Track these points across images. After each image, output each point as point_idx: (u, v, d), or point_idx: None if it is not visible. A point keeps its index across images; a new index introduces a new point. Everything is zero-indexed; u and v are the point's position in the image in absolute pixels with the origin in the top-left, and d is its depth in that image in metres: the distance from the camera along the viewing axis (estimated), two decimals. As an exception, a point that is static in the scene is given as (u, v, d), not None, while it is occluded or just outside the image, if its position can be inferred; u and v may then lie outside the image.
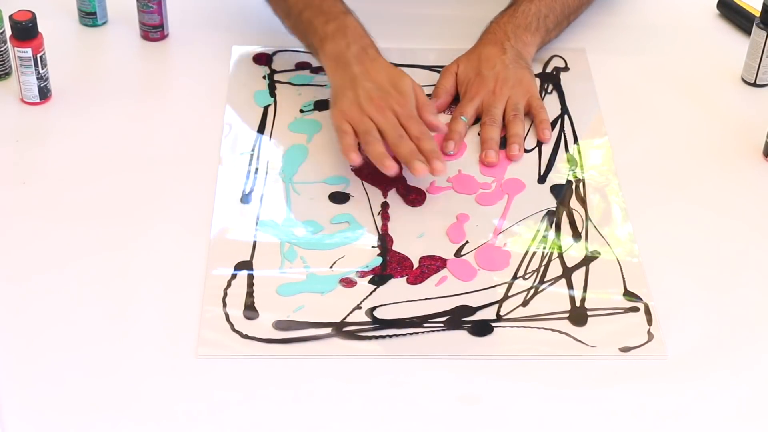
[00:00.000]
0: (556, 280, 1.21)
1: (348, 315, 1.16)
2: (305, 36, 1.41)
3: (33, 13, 1.37)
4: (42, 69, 1.39)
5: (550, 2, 1.48)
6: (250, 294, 1.17)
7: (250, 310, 1.16)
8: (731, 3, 1.60)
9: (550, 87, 1.47)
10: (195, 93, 1.45)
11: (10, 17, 1.36)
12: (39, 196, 1.29)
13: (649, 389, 1.10)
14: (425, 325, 1.15)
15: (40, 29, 1.38)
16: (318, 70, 1.47)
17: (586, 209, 1.29)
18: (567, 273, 1.21)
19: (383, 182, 1.31)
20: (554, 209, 1.29)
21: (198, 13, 1.58)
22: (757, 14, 1.46)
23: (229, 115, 1.40)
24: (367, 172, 1.32)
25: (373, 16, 1.46)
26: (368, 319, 1.16)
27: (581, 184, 1.32)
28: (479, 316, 1.16)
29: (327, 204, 1.29)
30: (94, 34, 1.54)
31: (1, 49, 1.42)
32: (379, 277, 1.20)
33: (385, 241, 1.24)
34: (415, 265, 1.22)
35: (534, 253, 1.23)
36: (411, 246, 1.24)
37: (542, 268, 1.22)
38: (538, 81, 1.46)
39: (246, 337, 1.13)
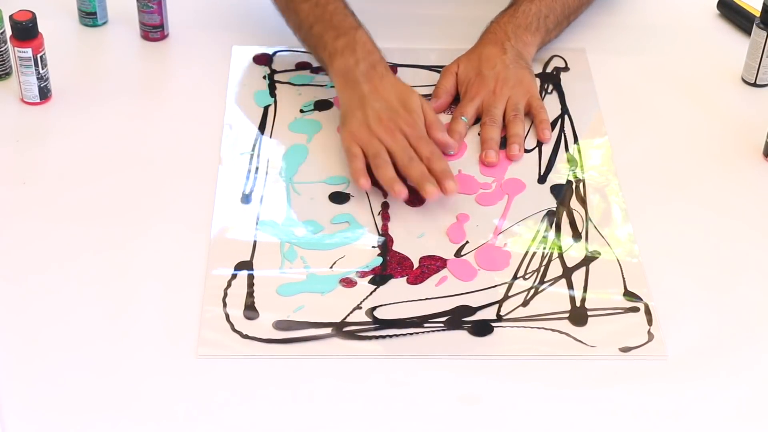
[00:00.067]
0: (556, 280, 1.21)
1: (348, 315, 1.16)
2: (315, 50, 1.40)
3: (33, 13, 1.37)
4: (42, 69, 1.39)
5: (550, 2, 1.48)
6: (250, 294, 1.17)
7: (250, 310, 1.16)
8: (731, 3, 1.60)
9: (550, 87, 1.47)
10: (195, 93, 1.45)
11: (11, 17, 1.36)
12: (39, 196, 1.29)
13: (649, 389, 1.10)
14: (425, 325, 1.15)
15: (40, 29, 1.38)
16: (318, 70, 1.47)
17: (586, 209, 1.29)
18: (567, 273, 1.21)
19: (383, 182, 1.31)
20: (554, 209, 1.29)
21: (198, 13, 1.58)
22: (757, 14, 1.46)
23: (230, 115, 1.40)
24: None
25: (374, 16, 1.46)
26: (368, 319, 1.16)
27: (581, 184, 1.32)
28: (479, 316, 1.16)
29: (327, 204, 1.29)
30: (94, 34, 1.54)
31: (2, 49, 1.42)
32: (380, 277, 1.20)
33: (385, 241, 1.24)
34: (415, 265, 1.22)
35: (534, 253, 1.24)
36: (411, 246, 1.24)
37: (542, 268, 1.22)
38: (538, 81, 1.46)
39: (246, 337, 1.13)
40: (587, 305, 1.18)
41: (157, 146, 1.36)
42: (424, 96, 1.44)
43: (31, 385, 1.08)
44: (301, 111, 1.42)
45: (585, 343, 1.14)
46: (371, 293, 1.18)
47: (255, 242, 1.23)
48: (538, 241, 1.25)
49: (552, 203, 1.30)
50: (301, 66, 1.48)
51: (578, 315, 1.17)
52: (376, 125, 1.31)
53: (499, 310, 1.17)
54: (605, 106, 1.44)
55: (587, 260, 1.23)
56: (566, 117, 1.42)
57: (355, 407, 1.08)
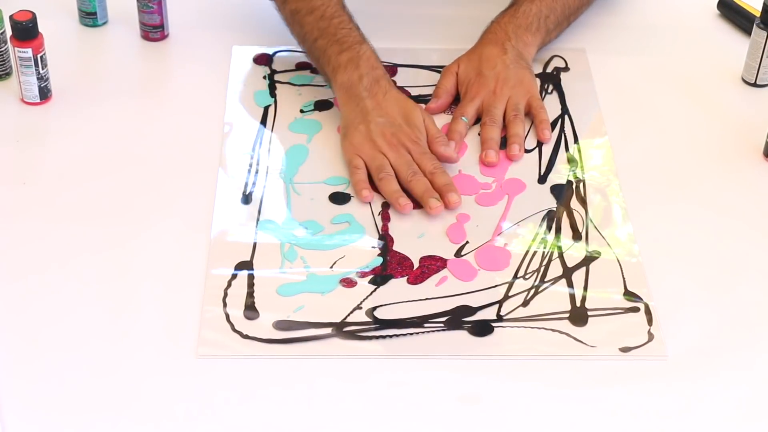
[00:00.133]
0: (556, 280, 1.21)
1: (348, 315, 1.16)
2: (319, 63, 1.40)
3: (33, 13, 1.37)
4: (42, 69, 1.39)
5: (551, 3, 1.48)
6: (250, 294, 1.17)
7: (251, 310, 1.16)
8: (731, 3, 1.60)
9: (551, 87, 1.47)
10: (195, 93, 1.45)
11: (11, 17, 1.36)
12: (39, 196, 1.29)
13: (649, 389, 1.10)
14: (425, 325, 1.15)
15: (40, 29, 1.38)
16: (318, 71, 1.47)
17: (586, 209, 1.29)
18: (567, 273, 1.21)
19: (383, 182, 1.31)
20: (554, 209, 1.29)
21: (198, 13, 1.58)
22: (757, 14, 1.46)
23: (230, 115, 1.40)
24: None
25: (375, 16, 1.46)
26: (368, 319, 1.16)
27: (581, 185, 1.32)
28: (479, 316, 1.16)
29: (327, 204, 1.29)
30: (94, 34, 1.54)
31: (2, 49, 1.42)
32: (380, 278, 1.20)
33: (385, 241, 1.24)
34: (416, 265, 1.22)
35: (534, 253, 1.23)
36: (411, 246, 1.24)
37: (542, 268, 1.22)
38: (538, 81, 1.46)
39: (246, 337, 1.13)
40: (587, 305, 1.18)
41: (157, 146, 1.36)
42: (425, 96, 1.44)
43: (31, 385, 1.08)
44: (301, 111, 1.42)
45: (585, 343, 1.14)
46: (371, 293, 1.18)
47: (255, 242, 1.23)
48: (538, 241, 1.25)
49: (552, 203, 1.30)
50: (301, 66, 1.48)
51: (578, 315, 1.17)
52: (380, 140, 1.31)
53: (499, 310, 1.17)
54: (605, 106, 1.44)
55: (587, 260, 1.23)
56: (566, 117, 1.42)
57: (356, 407, 1.08)
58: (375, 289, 1.19)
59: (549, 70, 1.50)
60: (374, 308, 1.17)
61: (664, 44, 1.56)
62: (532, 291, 1.19)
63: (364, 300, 1.17)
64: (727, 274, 1.22)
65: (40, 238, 1.23)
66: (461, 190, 1.29)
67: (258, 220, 1.26)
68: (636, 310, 1.18)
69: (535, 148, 1.38)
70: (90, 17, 1.54)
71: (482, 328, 1.15)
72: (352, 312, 1.16)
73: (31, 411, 1.06)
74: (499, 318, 1.16)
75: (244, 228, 1.25)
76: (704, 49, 1.55)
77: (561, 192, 1.31)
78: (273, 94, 1.44)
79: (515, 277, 1.21)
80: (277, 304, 1.17)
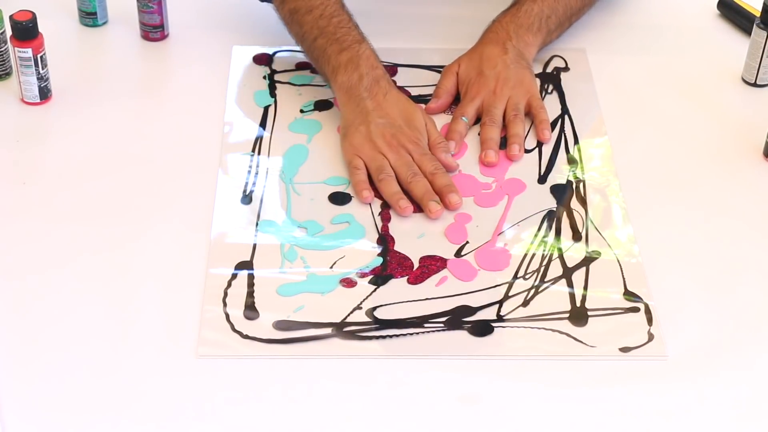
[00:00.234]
0: (556, 280, 1.21)
1: (348, 315, 1.16)
2: (318, 63, 1.40)
3: (33, 13, 1.37)
4: (42, 69, 1.39)
5: (552, 3, 1.48)
6: (250, 294, 1.17)
7: (251, 310, 1.16)
8: (731, 3, 1.60)
9: (551, 87, 1.47)
10: (195, 93, 1.45)
11: (11, 17, 1.36)
12: (39, 196, 1.29)
13: (649, 389, 1.10)
14: (425, 325, 1.15)
15: (40, 29, 1.38)
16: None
17: (586, 209, 1.29)
18: (567, 273, 1.21)
19: (383, 182, 1.31)
20: (554, 209, 1.29)
21: (198, 13, 1.58)
22: (757, 14, 1.46)
23: (230, 115, 1.40)
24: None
25: (375, 16, 1.46)
26: (369, 319, 1.15)
27: (582, 185, 1.32)
28: (479, 316, 1.16)
29: (327, 204, 1.29)
30: (94, 34, 1.54)
31: (2, 49, 1.42)
32: (380, 278, 1.20)
33: (385, 241, 1.24)
34: (416, 265, 1.22)
35: (534, 253, 1.23)
36: (411, 246, 1.24)
37: (542, 269, 1.22)
38: (538, 81, 1.46)
39: (246, 337, 1.13)
40: (587, 305, 1.18)
41: (157, 146, 1.36)
42: (425, 96, 1.44)
43: (31, 385, 1.08)
44: (301, 111, 1.42)
45: (585, 343, 1.14)
46: (371, 293, 1.18)
47: (255, 242, 1.23)
48: (538, 241, 1.25)
49: (552, 203, 1.30)
50: (301, 66, 1.48)
51: (578, 315, 1.17)
52: (380, 141, 1.31)
53: (499, 310, 1.17)
54: (605, 107, 1.44)
55: (587, 260, 1.23)
56: (566, 117, 1.42)
57: (355, 407, 1.08)
58: (375, 289, 1.19)
59: (549, 70, 1.50)
60: (374, 308, 1.17)
61: (664, 44, 1.56)
62: (532, 291, 1.19)
63: (364, 300, 1.17)
64: (727, 273, 1.22)
65: (40, 238, 1.23)
66: (461, 190, 1.29)
67: (258, 220, 1.26)
68: (636, 310, 1.18)
69: (535, 148, 1.38)
70: (90, 17, 1.54)
71: (482, 328, 1.15)
72: (352, 312, 1.16)
73: (31, 411, 1.06)
74: (499, 318, 1.16)
75: (244, 228, 1.25)
76: (704, 49, 1.55)
77: (561, 192, 1.31)
78: (273, 94, 1.44)
79: (515, 277, 1.21)
80: (277, 304, 1.17)
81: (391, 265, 1.21)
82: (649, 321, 1.16)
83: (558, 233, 1.26)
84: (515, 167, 1.35)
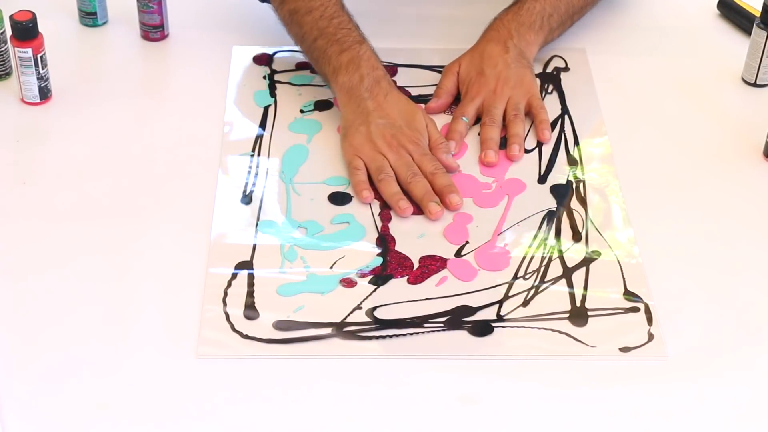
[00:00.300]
0: (556, 280, 1.21)
1: (348, 315, 1.16)
2: (318, 63, 1.40)
3: (33, 13, 1.37)
4: (42, 69, 1.39)
5: (554, 1, 1.47)
6: (250, 294, 1.17)
7: (251, 310, 1.16)
8: (731, 3, 1.60)
9: (551, 87, 1.47)
10: (195, 93, 1.45)
11: (11, 17, 1.36)
12: (39, 196, 1.29)
13: (649, 389, 1.10)
14: (425, 325, 1.15)
15: (40, 29, 1.38)
16: (318, 70, 1.47)
17: (586, 209, 1.29)
18: (567, 273, 1.21)
19: (383, 182, 1.31)
20: (554, 209, 1.29)
21: (198, 13, 1.58)
22: (757, 14, 1.46)
23: (229, 115, 1.40)
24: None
25: (375, 16, 1.46)
26: (368, 319, 1.15)
27: (581, 185, 1.32)
28: (479, 316, 1.16)
29: (327, 204, 1.29)
30: (94, 34, 1.54)
31: (2, 49, 1.42)
32: (380, 278, 1.20)
33: (385, 241, 1.24)
34: (416, 265, 1.22)
35: (534, 253, 1.23)
36: (411, 246, 1.24)
37: (542, 269, 1.22)
38: (538, 81, 1.46)
39: (246, 337, 1.13)
40: (587, 305, 1.18)
41: (157, 146, 1.36)
42: (425, 96, 1.44)
43: (31, 385, 1.08)
44: (301, 111, 1.42)
45: (585, 343, 1.14)
46: (371, 293, 1.18)
47: (255, 242, 1.23)
48: (538, 241, 1.25)
49: (552, 203, 1.30)
50: (301, 66, 1.48)
51: (578, 315, 1.17)
52: (380, 141, 1.31)
53: (499, 310, 1.17)
54: (605, 106, 1.44)
55: (587, 260, 1.23)
56: (566, 117, 1.42)
57: (355, 407, 1.08)
58: (375, 289, 1.19)
59: (549, 70, 1.50)
60: (374, 308, 1.17)
61: (664, 44, 1.56)
62: (532, 291, 1.19)
63: (364, 300, 1.17)
64: (727, 273, 1.22)
65: (40, 238, 1.23)
66: (461, 190, 1.29)
67: (258, 220, 1.26)
68: (636, 310, 1.18)
69: (535, 148, 1.38)
70: (90, 17, 1.54)
71: (482, 328, 1.15)
72: (352, 312, 1.16)
73: (31, 411, 1.06)
74: (499, 318, 1.16)
75: (244, 228, 1.25)
76: (704, 49, 1.55)
77: (561, 192, 1.31)
78: (273, 94, 1.44)
79: (515, 277, 1.21)
80: (277, 304, 1.17)
81: (391, 265, 1.21)
82: (649, 321, 1.16)
83: (558, 233, 1.26)
84: (515, 167, 1.35)
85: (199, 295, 1.17)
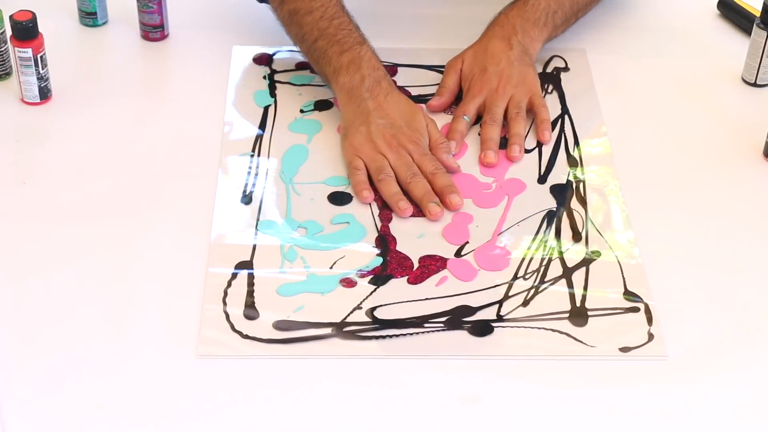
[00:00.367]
0: (556, 280, 1.21)
1: (348, 315, 1.16)
2: (318, 64, 1.40)
3: (33, 13, 1.37)
4: (42, 69, 1.39)
5: None
6: (250, 294, 1.17)
7: (251, 310, 1.16)
8: (731, 3, 1.60)
9: (551, 87, 1.47)
10: (195, 93, 1.45)
11: (11, 17, 1.36)
12: (39, 196, 1.29)
13: (649, 389, 1.10)
14: (425, 325, 1.15)
15: (40, 29, 1.38)
16: (318, 70, 1.47)
17: (586, 209, 1.29)
18: (567, 273, 1.21)
19: (383, 182, 1.31)
20: (554, 209, 1.29)
21: (198, 13, 1.58)
22: (757, 14, 1.46)
23: (229, 115, 1.40)
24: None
25: (375, 16, 1.46)
26: (368, 319, 1.15)
27: (581, 185, 1.32)
28: (479, 316, 1.16)
29: (327, 204, 1.29)
30: (94, 34, 1.54)
31: (2, 49, 1.42)
32: (380, 278, 1.20)
33: (385, 241, 1.24)
34: (416, 265, 1.22)
35: (534, 253, 1.23)
36: (411, 246, 1.24)
37: (542, 269, 1.22)
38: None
39: (246, 337, 1.13)
40: (587, 305, 1.18)
41: (157, 146, 1.36)
42: (425, 96, 1.44)
43: (31, 385, 1.08)
44: (301, 111, 1.42)
45: (585, 343, 1.14)
46: (371, 293, 1.18)
47: (255, 242, 1.23)
48: (538, 241, 1.25)
49: (552, 203, 1.30)
50: (301, 66, 1.48)
51: (578, 315, 1.17)
52: (380, 141, 1.31)
53: (499, 310, 1.17)
54: (605, 107, 1.44)
55: (587, 260, 1.23)
56: (566, 117, 1.42)
57: (355, 407, 1.08)
58: (375, 289, 1.19)
59: (549, 70, 1.50)
60: (374, 308, 1.17)
61: (664, 44, 1.56)
62: (532, 291, 1.19)
63: (364, 300, 1.17)
64: (727, 273, 1.22)
65: (40, 239, 1.23)
66: (461, 190, 1.29)
67: (258, 220, 1.26)
68: (636, 310, 1.18)
69: (534, 148, 1.38)
70: (90, 17, 1.54)
71: (482, 328, 1.15)
72: (352, 312, 1.16)
73: (31, 411, 1.06)
74: (499, 318, 1.16)
75: (244, 228, 1.25)
76: (704, 49, 1.55)
77: (561, 192, 1.31)
78: (273, 94, 1.44)
79: (515, 277, 1.21)
80: (277, 304, 1.17)
81: (391, 265, 1.21)
82: (649, 321, 1.16)
83: (558, 233, 1.26)
84: (515, 167, 1.35)
85: (199, 295, 1.17)
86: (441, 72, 1.46)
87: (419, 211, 1.27)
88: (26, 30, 1.36)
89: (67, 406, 1.07)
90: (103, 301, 1.16)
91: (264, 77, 1.47)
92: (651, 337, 1.15)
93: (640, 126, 1.42)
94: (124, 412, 1.06)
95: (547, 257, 1.23)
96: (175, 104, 1.43)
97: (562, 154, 1.37)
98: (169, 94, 1.46)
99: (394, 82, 1.40)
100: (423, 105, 1.41)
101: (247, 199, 1.29)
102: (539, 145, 1.38)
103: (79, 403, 1.07)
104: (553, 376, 1.11)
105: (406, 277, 1.20)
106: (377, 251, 1.23)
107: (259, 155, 1.35)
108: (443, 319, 1.16)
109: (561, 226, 1.27)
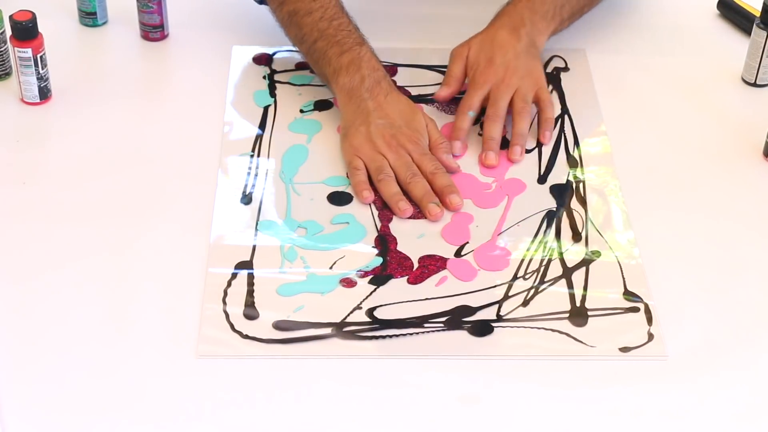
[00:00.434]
0: (556, 280, 1.21)
1: (348, 315, 1.16)
2: (318, 65, 1.39)
3: (33, 13, 1.37)
4: (42, 69, 1.39)
5: None
6: (250, 293, 1.17)
7: (251, 309, 1.16)
8: (731, 3, 1.60)
9: (551, 87, 1.47)
10: (195, 93, 1.45)
11: (11, 17, 1.36)
12: (39, 196, 1.29)
13: (649, 389, 1.10)
14: (425, 325, 1.15)
15: (40, 29, 1.38)
16: (318, 70, 1.47)
17: (586, 209, 1.29)
18: (567, 273, 1.21)
19: (383, 182, 1.31)
20: (554, 210, 1.29)
21: (198, 13, 1.58)
22: (757, 14, 1.46)
23: (229, 115, 1.40)
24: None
25: (375, 16, 1.46)
26: (368, 319, 1.15)
27: (581, 185, 1.32)
28: (479, 316, 1.16)
29: (327, 204, 1.29)
30: (94, 34, 1.54)
31: (2, 49, 1.42)
32: (380, 278, 1.20)
33: (385, 241, 1.24)
34: (415, 265, 1.22)
35: (534, 254, 1.23)
36: (411, 246, 1.24)
37: (542, 269, 1.22)
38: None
39: (246, 337, 1.13)
40: (587, 305, 1.18)
41: (157, 146, 1.36)
42: (425, 96, 1.44)
43: (31, 385, 1.08)
44: (301, 111, 1.42)
45: (585, 343, 1.14)
46: (371, 293, 1.18)
47: (255, 243, 1.23)
48: (538, 241, 1.25)
49: (552, 204, 1.30)
50: (301, 66, 1.48)
51: (578, 315, 1.17)
52: (380, 141, 1.31)
53: (499, 310, 1.17)
54: (605, 107, 1.44)
55: (587, 260, 1.23)
56: (566, 117, 1.42)
57: (355, 407, 1.08)
58: (375, 289, 1.19)
59: (549, 70, 1.50)
60: (374, 308, 1.17)
61: (664, 44, 1.56)
62: (532, 291, 1.19)
63: (364, 300, 1.17)
64: (727, 273, 1.22)
65: (40, 239, 1.23)
66: (461, 191, 1.29)
67: (258, 220, 1.26)
68: (636, 310, 1.18)
69: (534, 148, 1.38)
70: (90, 17, 1.54)
71: (482, 328, 1.15)
72: (352, 312, 1.16)
73: (31, 411, 1.06)
74: (499, 318, 1.16)
75: (244, 228, 1.25)
76: (704, 49, 1.55)
77: (561, 192, 1.31)
78: (273, 94, 1.44)
79: (515, 277, 1.21)
80: (277, 304, 1.17)
81: (391, 265, 1.21)
82: (649, 321, 1.16)
83: (558, 234, 1.26)
84: (515, 167, 1.35)
85: (199, 295, 1.17)
86: (441, 72, 1.46)
87: (419, 213, 1.27)
88: (26, 30, 1.36)
89: (67, 406, 1.07)
90: (103, 301, 1.16)
91: (264, 77, 1.47)
92: (651, 337, 1.15)
93: (640, 126, 1.42)
94: (124, 412, 1.06)
95: (547, 257, 1.23)
96: (175, 104, 1.43)
97: (562, 154, 1.37)
98: (169, 94, 1.46)
99: (394, 82, 1.40)
100: (423, 105, 1.41)
101: (246, 199, 1.29)
102: (539, 145, 1.38)
103: (79, 403, 1.07)
104: (553, 376, 1.11)
105: (406, 277, 1.20)
106: (377, 251, 1.23)
107: (258, 155, 1.35)
108: (443, 319, 1.16)
109: (561, 226, 1.27)
